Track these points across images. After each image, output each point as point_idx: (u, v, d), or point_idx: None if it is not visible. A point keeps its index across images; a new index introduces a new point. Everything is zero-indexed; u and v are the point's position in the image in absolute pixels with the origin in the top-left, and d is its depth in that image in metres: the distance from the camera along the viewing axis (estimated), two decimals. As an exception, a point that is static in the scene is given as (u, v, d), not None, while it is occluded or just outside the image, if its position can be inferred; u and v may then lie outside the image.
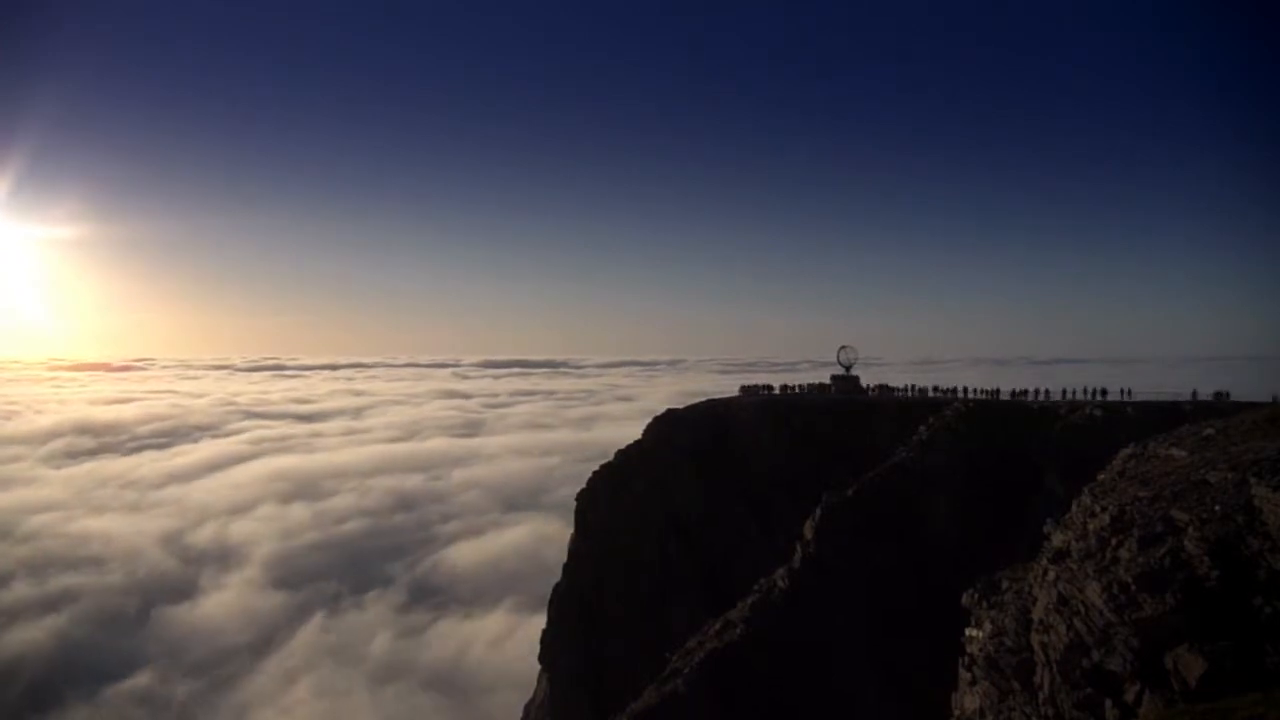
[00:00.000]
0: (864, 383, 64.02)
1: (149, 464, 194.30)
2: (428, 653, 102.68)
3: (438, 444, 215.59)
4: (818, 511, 42.85)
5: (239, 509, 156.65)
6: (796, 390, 65.20)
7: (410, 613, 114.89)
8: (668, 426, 60.11)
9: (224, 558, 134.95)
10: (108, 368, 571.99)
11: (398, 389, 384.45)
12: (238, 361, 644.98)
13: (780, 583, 41.72)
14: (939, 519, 42.67)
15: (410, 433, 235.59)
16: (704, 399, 64.68)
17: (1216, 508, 13.50)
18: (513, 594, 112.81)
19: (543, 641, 58.10)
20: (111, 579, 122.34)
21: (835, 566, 41.05)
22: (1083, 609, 13.78)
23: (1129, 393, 49.76)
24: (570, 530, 60.97)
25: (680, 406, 63.48)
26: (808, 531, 42.63)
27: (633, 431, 66.32)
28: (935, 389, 59.62)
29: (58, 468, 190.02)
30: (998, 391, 54.75)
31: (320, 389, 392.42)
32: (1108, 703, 12.56)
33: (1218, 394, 46.63)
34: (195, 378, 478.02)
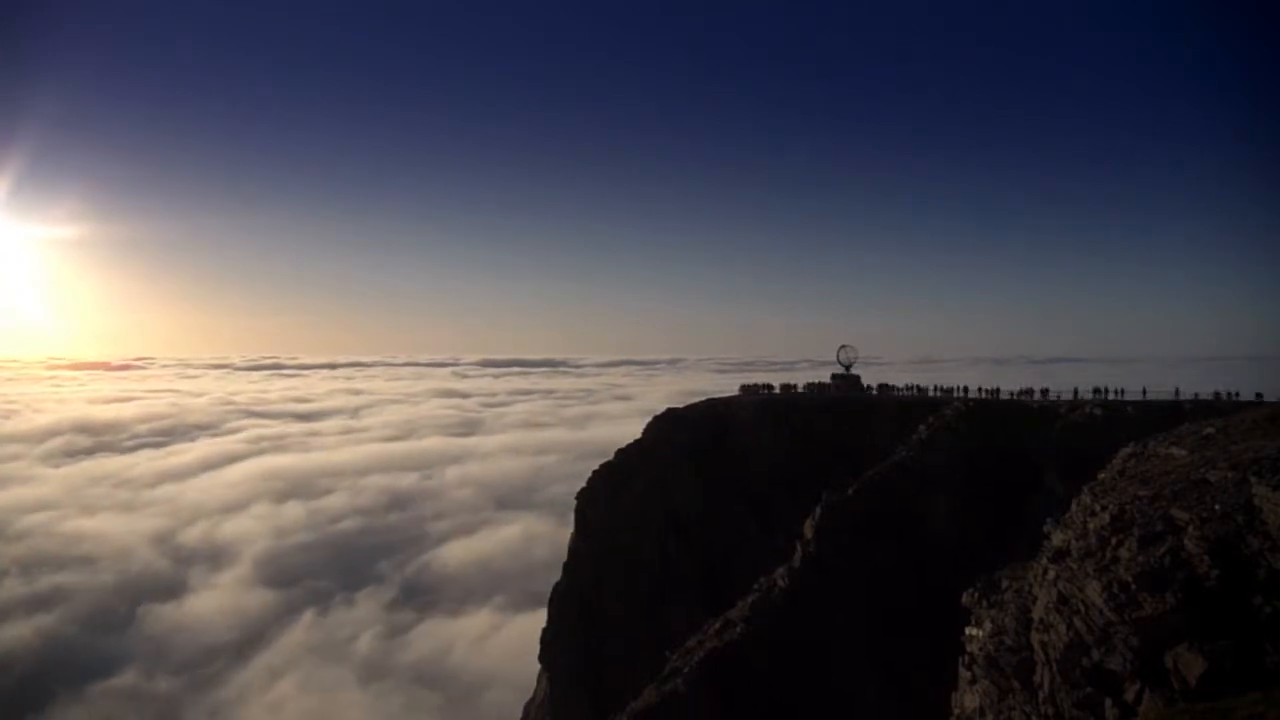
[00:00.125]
0: (864, 382, 64.05)
1: (144, 463, 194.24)
2: (414, 650, 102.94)
3: (433, 443, 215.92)
4: (817, 510, 42.85)
5: (233, 508, 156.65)
6: (797, 389, 65.22)
7: (399, 611, 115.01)
8: (667, 425, 60.10)
9: (216, 556, 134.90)
10: (107, 367, 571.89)
11: (396, 388, 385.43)
12: (237, 361, 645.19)
13: (780, 582, 41.72)
14: (939, 518, 42.70)
15: (407, 432, 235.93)
16: (703, 398, 64.72)
17: (1216, 507, 13.50)
18: (500, 592, 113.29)
19: (542, 640, 58.10)
20: (102, 578, 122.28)
21: (835, 565, 41.06)
22: (1083, 608, 13.78)
23: (1122, 392, 49.98)
24: (562, 528, 61.08)
25: (680, 406, 63.49)
26: (807, 530, 42.63)
27: (629, 430, 66.39)
28: (935, 388, 59.73)
29: (56, 466, 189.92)
30: (998, 391, 54.82)
31: (319, 388, 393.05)
32: (1108, 702, 12.55)
33: (1227, 394, 46.41)
34: (194, 377, 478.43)
